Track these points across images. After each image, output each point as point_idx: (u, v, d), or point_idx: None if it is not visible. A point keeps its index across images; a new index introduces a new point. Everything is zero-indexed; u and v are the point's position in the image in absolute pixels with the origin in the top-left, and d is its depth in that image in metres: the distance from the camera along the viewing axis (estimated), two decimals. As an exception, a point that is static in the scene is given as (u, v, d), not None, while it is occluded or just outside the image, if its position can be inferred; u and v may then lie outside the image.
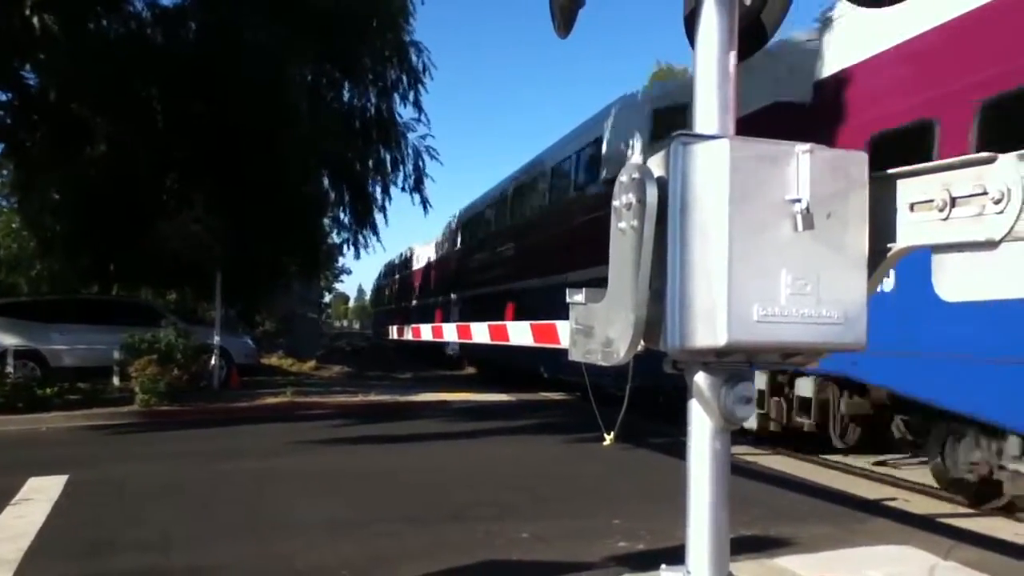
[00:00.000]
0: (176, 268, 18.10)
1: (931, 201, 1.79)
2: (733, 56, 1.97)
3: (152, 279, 21.26)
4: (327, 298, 77.22)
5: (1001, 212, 1.67)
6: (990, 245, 1.69)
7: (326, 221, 20.48)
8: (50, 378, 13.97)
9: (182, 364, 13.37)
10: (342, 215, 20.31)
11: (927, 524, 5.62)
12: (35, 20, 11.26)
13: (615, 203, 1.89)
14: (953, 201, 1.75)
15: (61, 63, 12.85)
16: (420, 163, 19.56)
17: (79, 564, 4.67)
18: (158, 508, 6.09)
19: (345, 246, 21.25)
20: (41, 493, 6.50)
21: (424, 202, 19.80)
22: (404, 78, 18.33)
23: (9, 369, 13.99)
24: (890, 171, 1.88)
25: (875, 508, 6.21)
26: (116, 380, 14.46)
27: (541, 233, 15.89)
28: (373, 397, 14.90)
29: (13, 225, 20.16)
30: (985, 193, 1.69)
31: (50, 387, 12.57)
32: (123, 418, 11.72)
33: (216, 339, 15.94)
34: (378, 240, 20.76)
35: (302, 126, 14.91)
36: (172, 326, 14.72)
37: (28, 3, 11.16)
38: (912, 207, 1.84)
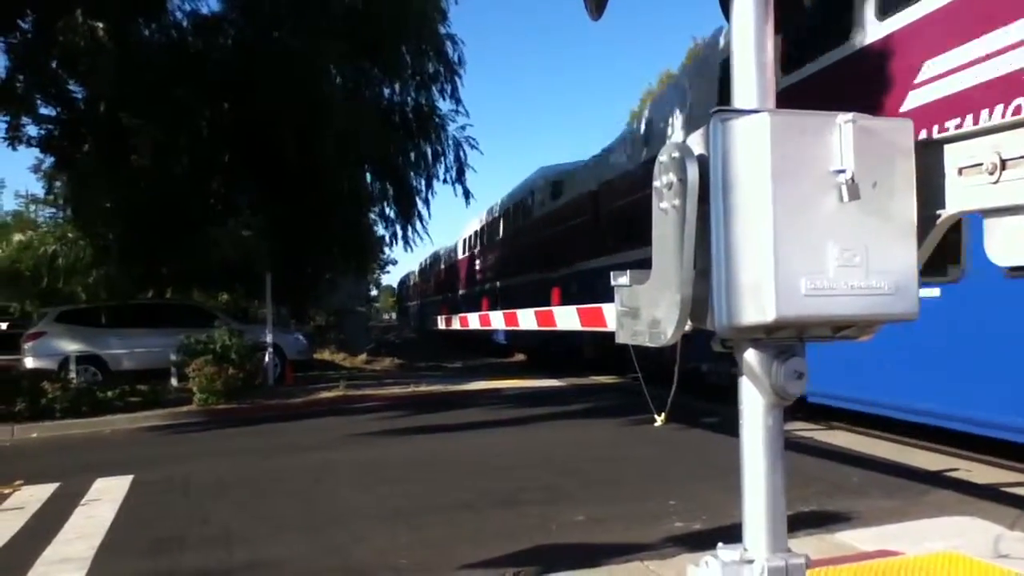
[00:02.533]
0: (226, 270, 18.44)
1: (980, 164, 1.75)
2: (770, 28, 1.95)
3: (203, 281, 21.67)
4: (375, 291, 77.86)
5: (1055, 172, 1.62)
6: (1044, 207, 1.65)
7: (371, 215, 20.68)
8: (111, 382, 14.33)
9: (237, 363, 13.61)
10: (387, 209, 20.50)
11: (991, 494, 5.50)
12: (83, 31, 11.53)
13: (656, 183, 1.89)
14: (1003, 163, 1.70)
15: (107, 74, 13.12)
16: (461, 154, 19.67)
17: (148, 561, 4.80)
18: (220, 505, 6.22)
19: (391, 240, 21.49)
20: (109, 493, 6.69)
21: (466, 193, 19.92)
22: (442, 71, 18.40)
23: (72, 375, 14.40)
24: (936, 136, 1.84)
25: (936, 480, 6.11)
26: (174, 381, 14.79)
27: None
28: (424, 388, 15.01)
29: (69, 235, 20.66)
30: (1038, 153, 1.65)
31: (112, 390, 12.89)
32: (183, 418, 12.00)
33: (268, 337, 16.19)
34: (425, 231, 20.95)
35: (340, 123, 15.04)
36: (225, 326, 14.99)
37: (77, 13, 11.44)
38: (960, 171, 1.80)
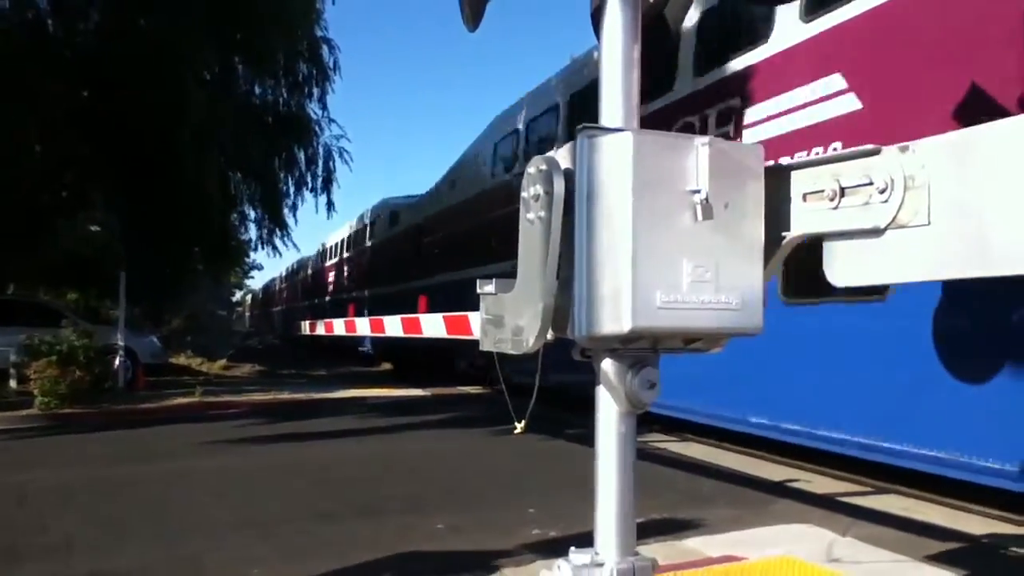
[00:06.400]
0: (76, 267, 17.46)
1: (822, 191, 1.88)
2: (637, 51, 2.03)
3: (51, 278, 20.46)
4: (238, 295, 75.47)
5: (886, 201, 1.76)
6: (876, 233, 1.78)
7: (235, 217, 20.08)
8: (-59, 382, 13.31)
9: (85, 365, 12.87)
10: (253, 211, 19.97)
11: (827, 503, 5.87)
12: None
13: (523, 194, 1.93)
14: (842, 191, 1.84)
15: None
16: (331, 164, 19.43)
17: (-25, 573, 4.49)
18: (60, 514, 5.88)
19: (258, 244, 20.96)
20: (-67, 502, 6.20)
21: (329, 204, 19.71)
22: (315, 74, 18.12)
23: None
24: (784, 163, 1.96)
25: (779, 490, 6.44)
26: (13, 383, 13.84)
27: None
28: (286, 395, 14.66)
29: None
30: (871, 183, 1.79)
31: (-59, 391, 11.98)
32: (22, 422, 11.25)
33: (120, 339, 15.43)
34: (289, 239, 20.53)
35: (200, 118, 14.52)
36: (73, 326, 14.18)
37: None
38: (805, 197, 1.93)
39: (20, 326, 14.33)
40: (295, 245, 38.58)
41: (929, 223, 1.68)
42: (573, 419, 9.42)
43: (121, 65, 13.75)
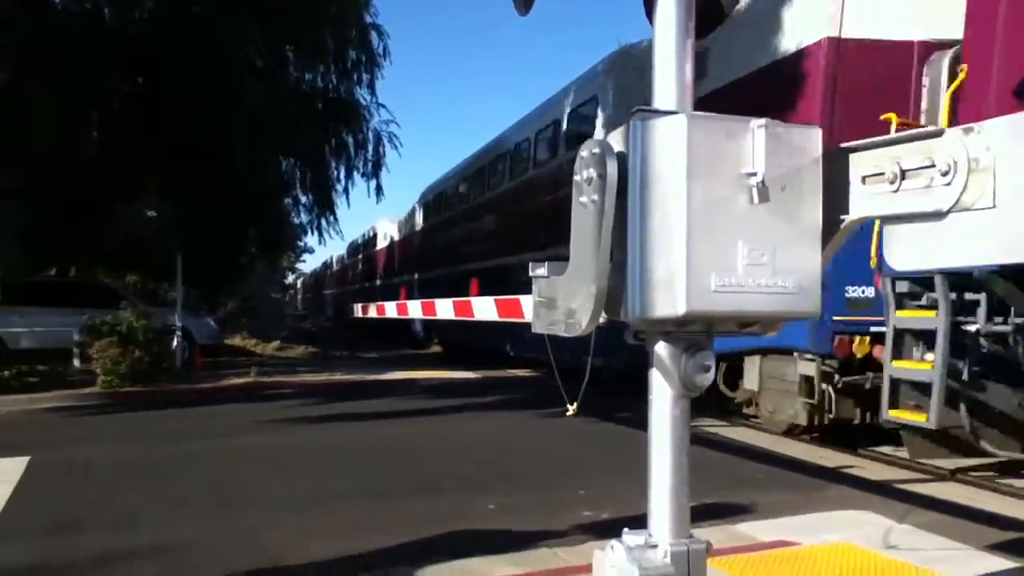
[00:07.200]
0: (134, 250, 17.85)
1: (882, 174, 1.84)
2: (691, 33, 2.01)
3: (110, 261, 20.94)
4: (290, 278, 76.56)
5: (948, 184, 1.73)
6: (938, 216, 1.75)
7: (288, 201, 20.34)
8: (9, 361, 13.76)
9: (144, 345, 13.21)
10: (303, 196, 20.20)
11: (883, 490, 5.78)
12: None
13: (576, 177, 1.93)
14: (903, 174, 1.80)
15: (14, 43, 12.55)
16: (381, 149, 19.51)
17: (43, 544, 4.64)
18: (123, 488, 6.06)
19: (307, 229, 21.22)
20: (2, 475, 6.42)
21: (378, 189, 19.79)
22: (364, 60, 18.20)
23: (-34, 353, 13.78)
24: (843, 145, 1.93)
25: (833, 475, 6.37)
26: (77, 362, 14.27)
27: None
28: (339, 376, 14.88)
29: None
30: (933, 166, 1.75)
31: (9, 370, 12.38)
32: (85, 400, 11.61)
33: (177, 320, 15.79)
34: (336, 225, 20.72)
35: (253, 104, 14.69)
36: (132, 308, 14.55)
37: None
38: (864, 179, 1.90)
39: (82, 307, 14.74)
40: (340, 233, 39.12)
41: (994, 206, 1.65)
42: (623, 403, 9.40)
43: (174, 52, 13.95)
